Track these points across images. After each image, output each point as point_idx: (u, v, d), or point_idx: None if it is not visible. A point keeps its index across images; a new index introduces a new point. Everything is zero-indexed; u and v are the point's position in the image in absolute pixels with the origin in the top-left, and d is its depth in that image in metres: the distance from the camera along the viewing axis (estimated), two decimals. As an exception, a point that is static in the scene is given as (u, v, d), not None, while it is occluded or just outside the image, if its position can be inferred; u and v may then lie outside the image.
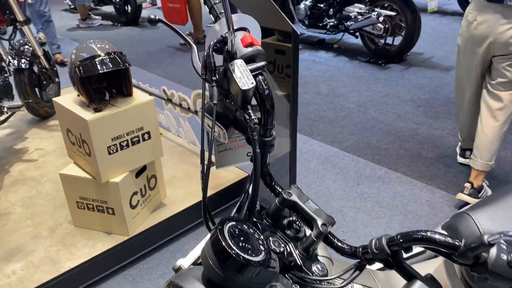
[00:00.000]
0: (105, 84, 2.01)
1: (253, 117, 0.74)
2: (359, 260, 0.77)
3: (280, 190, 0.87)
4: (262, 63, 0.77)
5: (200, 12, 5.65)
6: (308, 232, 0.83)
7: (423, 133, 3.20)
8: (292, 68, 1.92)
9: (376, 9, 4.47)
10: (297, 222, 0.84)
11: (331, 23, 4.88)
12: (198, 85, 3.83)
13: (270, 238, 0.80)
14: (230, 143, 0.98)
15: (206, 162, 0.75)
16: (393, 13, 4.35)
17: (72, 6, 7.74)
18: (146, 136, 2.01)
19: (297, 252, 0.82)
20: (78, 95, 1.93)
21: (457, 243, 0.64)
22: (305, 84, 4.20)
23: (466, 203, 2.35)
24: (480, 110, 2.43)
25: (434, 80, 4.15)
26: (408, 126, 3.32)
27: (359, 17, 4.55)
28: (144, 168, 2.11)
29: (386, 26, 4.39)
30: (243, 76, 0.71)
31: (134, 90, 2.03)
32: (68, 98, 1.99)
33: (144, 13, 7.41)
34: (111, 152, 1.90)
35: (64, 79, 3.69)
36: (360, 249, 0.76)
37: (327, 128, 3.34)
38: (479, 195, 2.39)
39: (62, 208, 2.28)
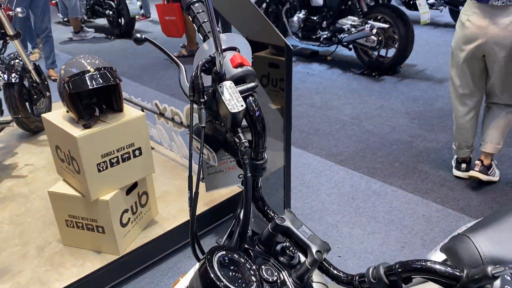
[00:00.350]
0: (95, 100, 1.97)
1: (243, 140, 0.70)
2: None
3: (272, 215, 0.84)
4: (252, 84, 0.74)
5: (194, 24, 5.65)
6: (302, 258, 0.80)
7: (418, 146, 3.18)
8: (285, 82, 1.90)
9: (369, 21, 4.48)
10: (291, 248, 0.81)
11: (324, 36, 4.89)
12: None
13: (263, 267, 0.76)
14: (220, 165, 0.94)
15: (194, 188, 0.72)
16: (386, 26, 4.36)
17: (65, 19, 7.73)
18: (137, 153, 1.97)
19: (291, 280, 0.78)
20: (67, 111, 1.89)
21: (458, 274, 0.61)
22: (299, 96, 4.18)
23: (462, 222, 2.33)
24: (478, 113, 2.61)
25: (428, 92, 4.16)
26: (403, 138, 3.30)
27: (353, 29, 4.56)
28: (135, 185, 2.07)
29: (380, 38, 4.40)
30: (232, 98, 0.68)
31: (125, 105, 1.99)
32: (57, 114, 1.95)
33: (138, 26, 7.41)
34: (101, 169, 1.85)
35: (55, 93, 3.66)
36: (357, 278, 0.72)
37: (321, 141, 3.32)
38: (489, 172, 2.62)
39: (51, 226, 2.23)
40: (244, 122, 0.76)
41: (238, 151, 0.81)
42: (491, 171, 2.66)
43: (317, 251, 0.76)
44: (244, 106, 0.68)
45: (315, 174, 2.89)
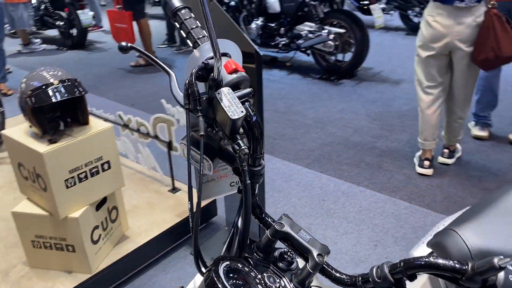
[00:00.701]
0: (59, 113, 1.89)
1: (243, 147, 0.69)
2: None
3: (270, 221, 0.83)
4: (248, 90, 0.73)
5: (150, 33, 5.56)
6: (300, 263, 0.79)
7: (381, 146, 3.28)
8: (257, 88, 1.90)
9: (325, 27, 4.58)
10: (289, 254, 0.80)
11: (282, 42, 4.95)
12: (154, 108, 3.72)
13: (264, 274, 0.75)
14: (213, 174, 0.92)
15: (195, 200, 0.70)
16: (342, 30, 4.48)
17: (12, 31, 7.39)
18: (105, 166, 1.91)
19: (292, 285, 0.77)
20: (30, 126, 1.80)
21: (463, 267, 0.62)
22: (263, 102, 4.19)
23: (430, 218, 2.41)
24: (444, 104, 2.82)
25: (386, 94, 4.30)
26: (366, 140, 3.39)
27: (310, 35, 4.65)
28: (104, 200, 1.99)
29: (336, 43, 4.51)
30: (231, 105, 0.67)
31: (91, 118, 1.92)
32: (19, 130, 1.85)
33: (91, 36, 7.20)
34: (69, 185, 1.77)
35: (9, 107, 3.48)
36: (360, 279, 0.72)
37: (287, 146, 3.35)
38: (455, 154, 3.00)
39: (15, 248, 2.10)
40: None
41: (234, 159, 0.80)
42: (457, 153, 3.03)
43: (318, 255, 0.76)
44: (245, 112, 0.67)
45: (285, 178, 2.91)
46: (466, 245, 0.90)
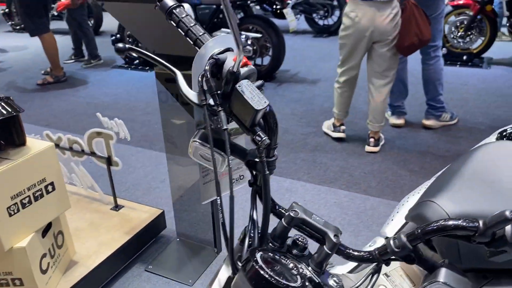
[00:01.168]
0: (-11, 136, 1.71)
1: (264, 138, 0.70)
2: (374, 263, 0.78)
3: (282, 210, 0.85)
4: (260, 82, 0.74)
5: (56, 47, 5.20)
6: (311, 249, 0.82)
7: (312, 142, 3.43)
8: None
9: (242, 32, 4.67)
10: (302, 240, 0.82)
11: (200, 49, 4.94)
12: (72, 126, 3.50)
13: (288, 261, 0.77)
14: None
15: (228, 193, 0.69)
16: (259, 35, 4.61)
17: None
18: (50, 188, 1.77)
19: (310, 269, 0.80)
20: (-42, 153, 1.61)
21: (475, 224, 0.69)
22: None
23: (369, 203, 2.58)
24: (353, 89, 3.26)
25: (306, 93, 4.50)
26: (297, 137, 3.52)
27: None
28: (49, 225, 1.85)
29: (254, 47, 4.63)
30: (254, 96, 0.68)
31: (28, 137, 1.77)
32: None
33: (-16, 56, 6.56)
34: (12, 213, 1.62)
35: None
36: (377, 252, 0.76)
37: (223, 151, 3.35)
38: (379, 142, 3.26)
39: None
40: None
41: (245, 153, 0.81)
42: (381, 141, 3.30)
43: (334, 235, 0.79)
44: (268, 102, 0.68)
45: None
46: (446, 213, 0.99)
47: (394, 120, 3.61)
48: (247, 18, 4.84)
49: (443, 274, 0.73)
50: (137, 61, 5.65)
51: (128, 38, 5.62)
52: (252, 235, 0.81)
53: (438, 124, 3.53)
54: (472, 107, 3.91)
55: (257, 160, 0.78)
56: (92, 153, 2.33)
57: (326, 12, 6.63)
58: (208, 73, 0.70)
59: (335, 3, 6.56)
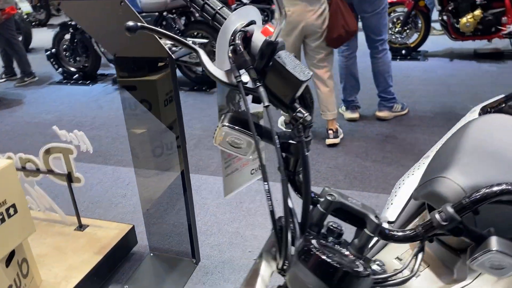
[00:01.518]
0: None
1: (305, 114, 0.65)
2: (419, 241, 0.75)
3: (314, 196, 0.79)
4: (292, 54, 0.69)
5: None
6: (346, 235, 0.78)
7: (273, 142, 3.40)
8: (174, 95, 1.81)
9: (188, 38, 4.58)
10: (337, 226, 0.78)
11: (145, 58, 4.79)
12: (11, 149, 3.22)
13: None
14: (236, 162, 0.84)
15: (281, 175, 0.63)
16: (205, 40, 4.53)
17: None
18: (11, 211, 1.59)
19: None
20: None
21: None
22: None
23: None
24: None
25: (258, 95, 4.48)
26: (257, 139, 3.48)
27: (174, 48, 4.58)
28: (12, 253, 1.66)
29: (202, 53, 4.54)
30: (296, 66, 0.62)
31: (-19, 157, 1.58)
32: None
33: None
34: (-28, 242, 1.43)
35: None
36: (421, 229, 0.73)
37: (184, 159, 3.24)
38: (338, 134, 3.29)
39: None
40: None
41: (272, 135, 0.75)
42: (340, 134, 3.34)
43: (375, 216, 0.75)
44: (311, 72, 0.63)
45: (194, 189, 2.80)
46: (461, 187, 0.98)
47: (349, 115, 3.68)
48: (192, 23, 4.76)
49: (494, 242, 0.70)
50: (77, 75, 5.35)
51: (64, 52, 5.32)
52: (291, 225, 0.75)
53: (391, 114, 3.64)
54: (418, 97, 4.09)
55: (290, 142, 0.73)
56: (50, 171, 2.15)
57: (266, 17, 6.69)
58: (240, 46, 0.63)
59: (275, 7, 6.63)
